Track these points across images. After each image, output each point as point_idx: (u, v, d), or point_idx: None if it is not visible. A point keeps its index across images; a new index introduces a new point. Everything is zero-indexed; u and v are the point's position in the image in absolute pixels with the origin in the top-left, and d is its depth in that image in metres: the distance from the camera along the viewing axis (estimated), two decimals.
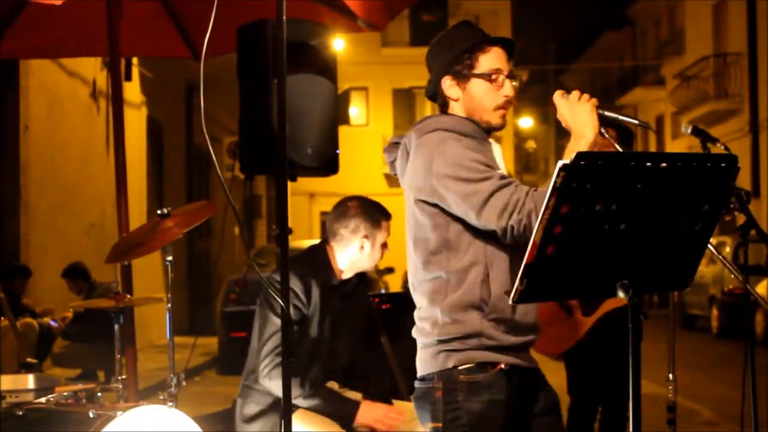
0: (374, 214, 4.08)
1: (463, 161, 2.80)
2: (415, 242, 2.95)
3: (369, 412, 3.97)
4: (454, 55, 2.96)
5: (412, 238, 2.97)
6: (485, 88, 2.95)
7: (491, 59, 2.96)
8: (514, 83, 2.98)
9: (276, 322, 3.82)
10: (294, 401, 3.81)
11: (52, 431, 3.58)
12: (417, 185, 2.91)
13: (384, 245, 4.12)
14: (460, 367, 2.82)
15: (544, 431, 2.96)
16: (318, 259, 4.08)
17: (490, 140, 2.99)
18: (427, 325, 2.89)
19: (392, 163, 3.07)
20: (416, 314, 2.94)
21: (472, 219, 2.79)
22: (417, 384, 2.93)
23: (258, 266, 4.64)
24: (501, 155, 3.00)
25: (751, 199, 3.11)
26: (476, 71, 2.95)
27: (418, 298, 2.94)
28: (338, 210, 4.11)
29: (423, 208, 2.91)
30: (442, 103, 3.04)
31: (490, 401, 2.81)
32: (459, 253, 2.84)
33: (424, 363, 2.91)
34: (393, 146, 3.07)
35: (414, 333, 2.95)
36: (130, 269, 4.77)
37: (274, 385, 3.85)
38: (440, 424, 2.83)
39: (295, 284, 3.91)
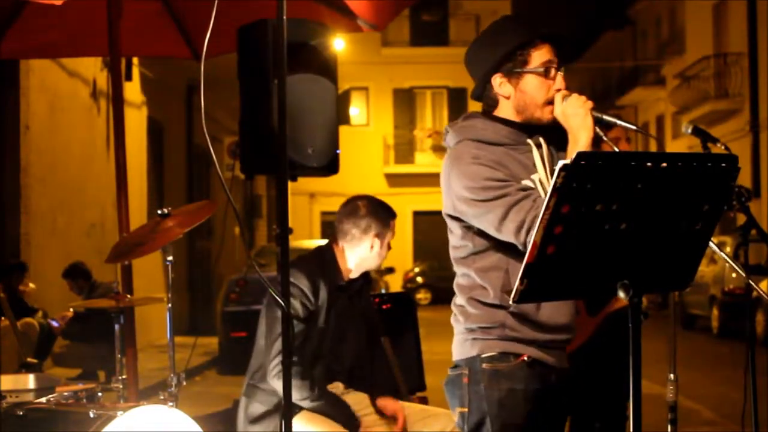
0: (383, 213, 4.12)
1: (476, 182, 2.81)
2: (450, 245, 3.02)
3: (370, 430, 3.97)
4: (505, 52, 2.91)
5: (449, 241, 3.03)
6: (538, 84, 2.92)
7: (543, 53, 2.92)
8: (561, 74, 2.95)
9: None
10: (300, 403, 3.83)
11: (53, 431, 3.58)
12: (443, 199, 2.98)
13: (388, 245, 4.15)
14: (483, 355, 2.89)
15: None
16: (325, 259, 4.09)
17: (530, 141, 2.95)
18: (458, 313, 2.97)
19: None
20: (452, 302, 3.03)
21: (493, 234, 2.83)
22: (449, 370, 3.01)
23: (258, 266, 4.65)
24: (543, 156, 2.95)
25: (751, 197, 3.11)
26: (530, 67, 2.92)
27: (454, 287, 3.02)
28: (348, 209, 4.12)
29: (450, 220, 2.97)
30: (490, 103, 2.99)
31: (510, 390, 2.86)
32: (484, 258, 2.90)
33: (455, 350, 2.99)
34: (447, 132, 3.07)
35: (451, 320, 3.03)
36: (131, 269, 4.77)
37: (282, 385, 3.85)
38: (467, 409, 2.91)
39: (303, 283, 3.92)
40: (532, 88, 2.92)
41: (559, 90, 2.92)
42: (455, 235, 2.97)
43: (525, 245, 2.72)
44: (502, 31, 2.97)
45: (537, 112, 2.94)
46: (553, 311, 2.90)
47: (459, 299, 2.98)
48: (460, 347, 2.96)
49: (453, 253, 3.00)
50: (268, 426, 3.97)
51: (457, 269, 2.99)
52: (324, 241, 4.31)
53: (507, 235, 2.78)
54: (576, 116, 2.82)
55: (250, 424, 4.01)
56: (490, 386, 2.87)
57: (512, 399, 2.86)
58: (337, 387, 4.12)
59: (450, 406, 3.03)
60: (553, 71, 2.93)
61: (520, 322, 2.87)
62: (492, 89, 2.97)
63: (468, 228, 2.91)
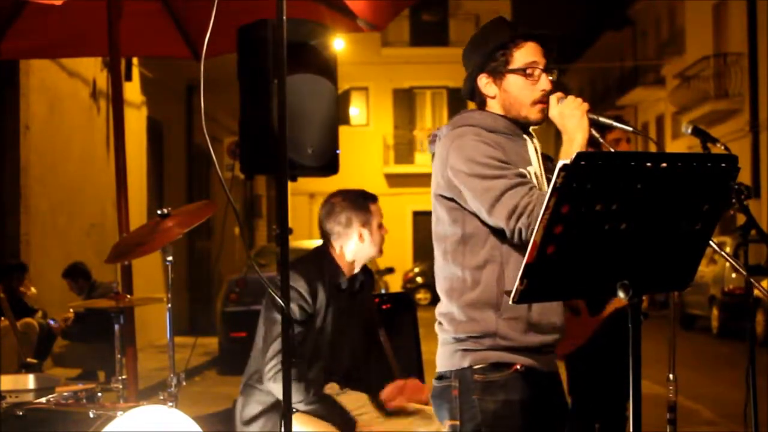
0: (359, 201, 4.08)
1: (478, 157, 2.79)
2: (435, 236, 2.95)
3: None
4: (488, 52, 2.92)
5: (434, 232, 2.97)
6: (521, 84, 2.91)
7: (526, 53, 2.92)
8: (550, 77, 2.94)
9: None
10: (295, 405, 3.82)
11: (52, 431, 3.58)
12: (435, 179, 2.92)
13: (380, 226, 4.10)
14: (475, 367, 2.83)
15: None
16: (323, 259, 4.07)
17: (526, 137, 2.95)
18: (445, 322, 2.90)
19: (434, 155, 3.04)
20: (436, 309, 2.95)
21: (484, 216, 2.79)
22: (435, 382, 2.95)
23: (258, 266, 4.66)
24: (538, 152, 2.96)
25: (751, 194, 3.11)
26: (511, 67, 2.91)
27: (439, 292, 2.95)
28: (325, 209, 4.12)
29: (441, 202, 2.91)
30: (480, 102, 3.00)
31: (505, 401, 2.82)
32: (475, 249, 2.84)
33: (442, 360, 2.92)
34: (434, 138, 3.04)
35: (435, 328, 2.96)
36: (131, 269, 4.77)
37: (278, 387, 3.84)
38: (458, 422, 2.85)
39: (301, 285, 3.90)
40: (516, 89, 2.92)
41: (544, 91, 2.92)
42: (443, 221, 2.90)
43: (513, 232, 2.71)
44: (487, 32, 2.99)
45: (523, 111, 2.94)
46: (544, 311, 2.86)
47: (445, 306, 2.90)
48: (449, 358, 2.89)
49: (441, 246, 2.91)
50: (264, 425, 3.97)
51: (443, 268, 2.91)
52: (319, 241, 4.31)
53: (497, 219, 2.74)
54: (572, 117, 2.82)
55: (245, 425, 4.01)
56: (483, 398, 2.82)
57: (508, 410, 2.82)
58: (332, 388, 4.11)
59: (438, 419, 2.97)
60: (536, 72, 2.92)
61: (512, 327, 2.81)
62: (479, 89, 2.98)
63: (460, 210, 2.85)
